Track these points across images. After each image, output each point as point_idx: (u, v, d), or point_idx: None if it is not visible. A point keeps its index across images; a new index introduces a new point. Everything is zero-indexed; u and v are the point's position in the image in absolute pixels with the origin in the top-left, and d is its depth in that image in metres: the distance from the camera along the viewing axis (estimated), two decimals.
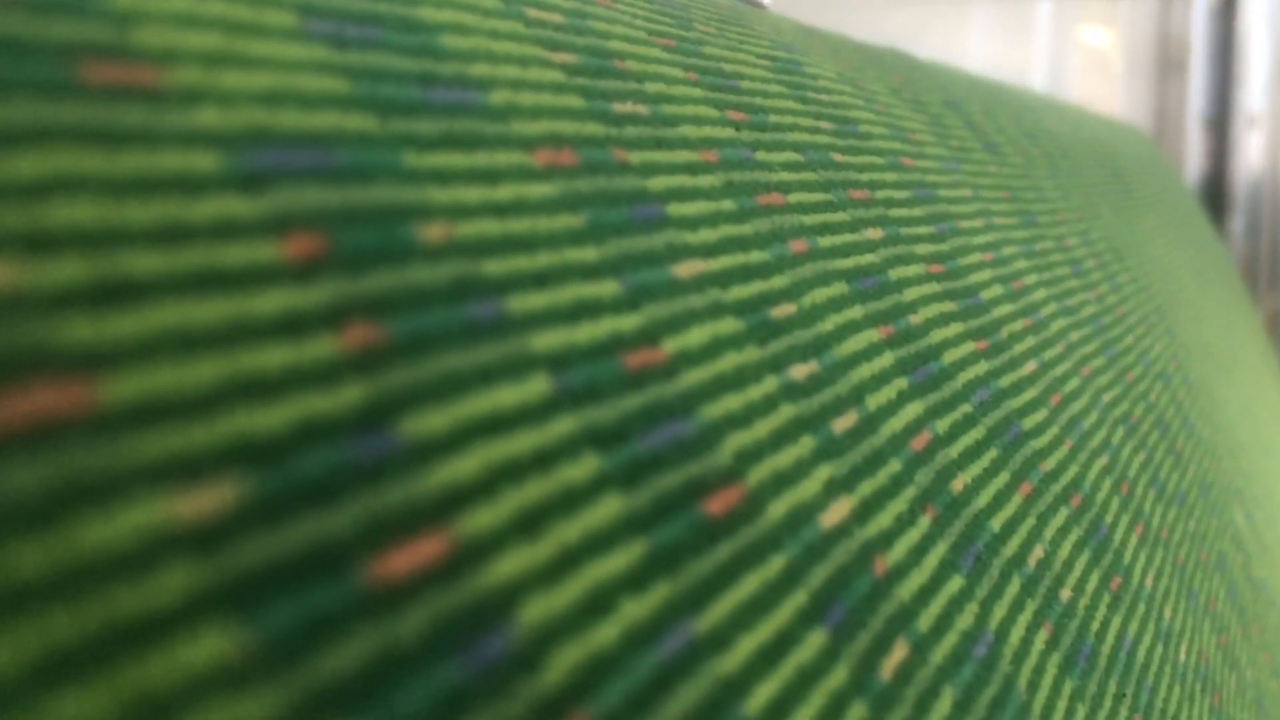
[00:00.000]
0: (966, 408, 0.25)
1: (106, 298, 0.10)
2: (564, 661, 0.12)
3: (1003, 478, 0.25)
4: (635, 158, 0.20)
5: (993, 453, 0.25)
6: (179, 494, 0.10)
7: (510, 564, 0.12)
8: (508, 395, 0.14)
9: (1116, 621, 0.26)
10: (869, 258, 0.25)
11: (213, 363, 0.11)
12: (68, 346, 0.10)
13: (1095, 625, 0.25)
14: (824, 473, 0.18)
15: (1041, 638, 0.22)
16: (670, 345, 0.17)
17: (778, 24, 0.34)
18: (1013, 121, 0.48)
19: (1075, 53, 1.33)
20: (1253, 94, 1.63)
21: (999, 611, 0.21)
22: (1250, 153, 1.63)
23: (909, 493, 0.20)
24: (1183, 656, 0.30)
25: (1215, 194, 1.65)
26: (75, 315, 0.10)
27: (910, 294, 0.26)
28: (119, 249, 0.11)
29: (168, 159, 0.12)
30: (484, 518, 0.12)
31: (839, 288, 0.23)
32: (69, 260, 0.10)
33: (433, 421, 0.12)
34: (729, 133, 0.23)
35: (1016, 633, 0.21)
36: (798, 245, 0.23)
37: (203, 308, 0.11)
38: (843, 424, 0.20)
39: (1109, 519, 0.29)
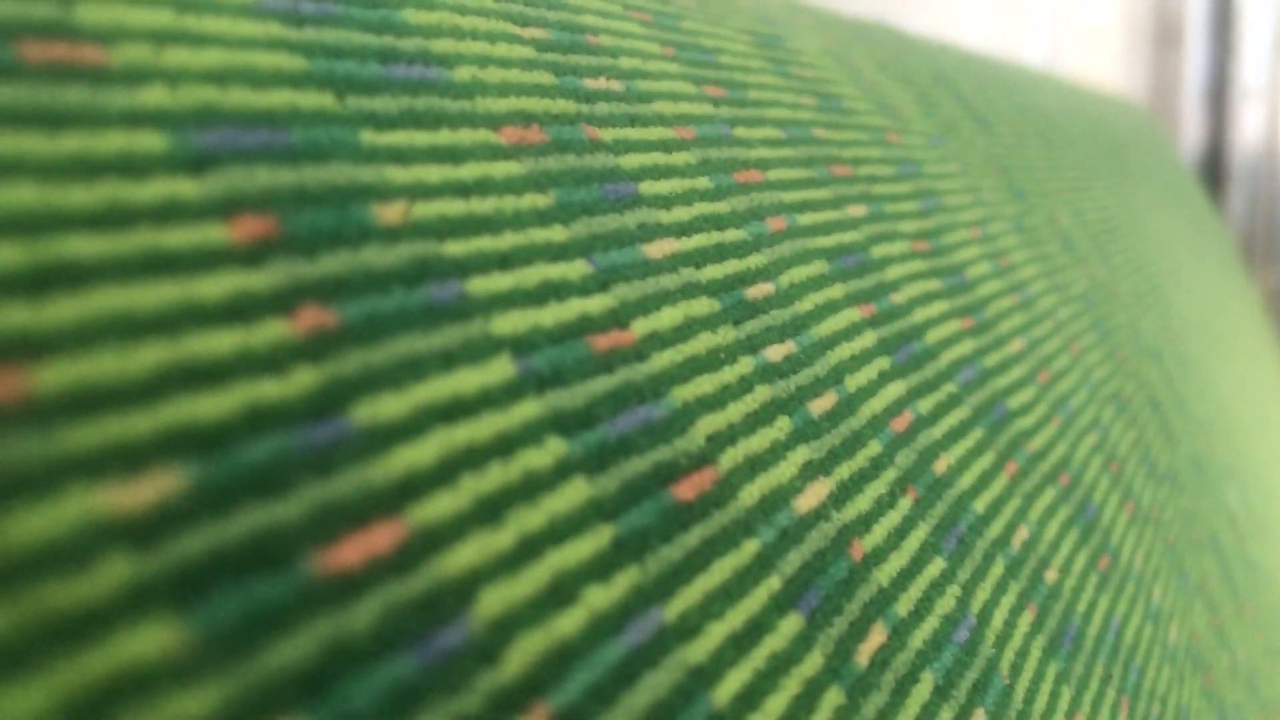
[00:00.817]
0: (951, 387, 0.25)
1: (45, 283, 0.10)
2: (524, 653, 0.12)
3: (988, 458, 0.24)
4: (608, 135, 0.19)
5: (978, 432, 0.25)
6: (117, 485, 0.09)
7: (469, 553, 0.12)
8: (469, 379, 0.13)
9: (1104, 602, 0.26)
10: (851, 235, 0.25)
11: (155, 348, 0.10)
12: (3, 333, 0.09)
13: (1082, 606, 0.25)
14: (800, 456, 0.18)
15: (1026, 620, 0.22)
16: (640, 327, 0.17)
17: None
18: (1005, 96, 0.48)
19: (1072, 26, 1.32)
20: (1251, 67, 1.62)
21: (982, 594, 0.21)
22: (1248, 127, 1.62)
23: (889, 475, 0.20)
24: (1173, 637, 0.30)
25: (1213, 168, 1.65)
26: (12, 301, 0.10)
27: (894, 272, 0.26)
28: (59, 232, 0.10)
29: (111, 139, 0.11)
30: (442, 505, 0.12)
31: (819, 266, 0.23)
32: (6, 244, 0.10)
33: (388, 407, 0.12)
34: (707, 109, 0.23)
35: (1000, 615, 0.21)
36: (776, 223, 0.22)
37: (146, 292, 0.11)
38: (820, 406, 0.19)
39: (1098, 498, 0.29)
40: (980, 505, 0.23)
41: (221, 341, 0.11)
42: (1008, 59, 0.59)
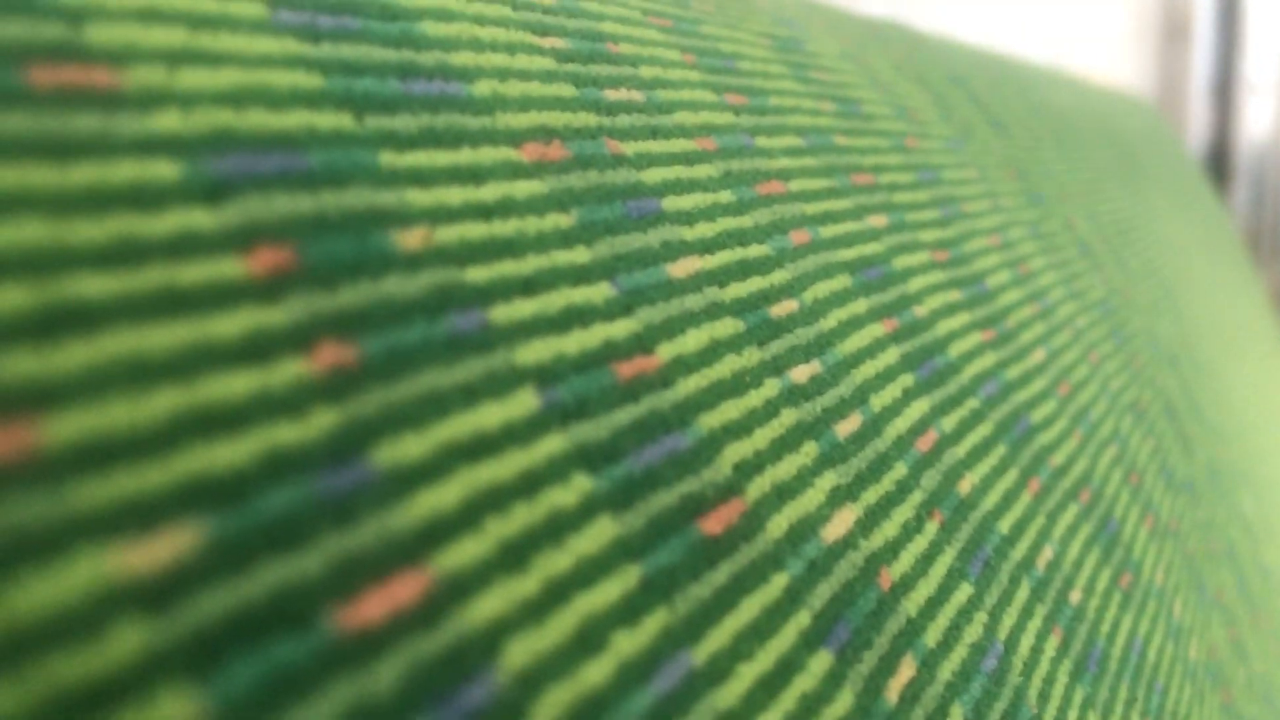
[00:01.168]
0: (974, 403, 0.24)
1: (53, 326, 0.09)
2: (551, 705, 0.11)
3: (1011, 475, 0.24)
4: (630, 148, 0.19)
5: (1001, 449, 0.24)
6: (130, 544, 0.09)
7: (494, 601, 0.11)
8: (492, 414, 0.13)
9: (1127, 622, 0.26)
10: (873, 247, 0.24)
11: (169, 394, 0.10)
12: (8, 383, 0.09)
13: (1105, 627, 0.24)
14: (827, 481, 0.18)
15: (1052, 644, 0.21)
16: (665, 352, 0.16)
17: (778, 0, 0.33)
18: (1018, 97, 0.47)
19: (1079, 21, 1.31)
20: (1257, 63, 1.61)
21: (1008, 620, 0.20)
22: (1254, 122, 1.61)
23: (915, 498, 0.20)
24: (1193, 654, 0.29)
25: (1219, 164, 1.64)
26: (18, 347, 0.09)
27: (915, 284, 0.25)
28: (68, 271, 0.10)
29: (124, 169, 0.11)
30: (466, 552, 0.11)
31: (842, 280, 0.22)
32: (12, 285, 0.09)
33: (410, 448, 0.12)
34: (728, 118, 0.23)
35: (1026, 641, 0.21)
36: (799, 236, 0.22)
37: (159, 333, 0.10)
38: (846, 428, 0.19)
39: (1119, 512, 0.29)
40: (1005, 526, 0.22)
41: (238, 384, 0.10)
42: (1015, 56, 0.58)
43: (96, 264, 0.10)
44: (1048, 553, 0.23)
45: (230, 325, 0.11)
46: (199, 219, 0.11)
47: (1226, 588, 0.36)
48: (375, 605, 0.10)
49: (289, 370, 0.11)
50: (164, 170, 0.11)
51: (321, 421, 0.11)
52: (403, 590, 0.11)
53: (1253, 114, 1.63)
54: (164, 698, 0.09)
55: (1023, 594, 0.21)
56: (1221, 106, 1.65)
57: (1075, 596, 0.24)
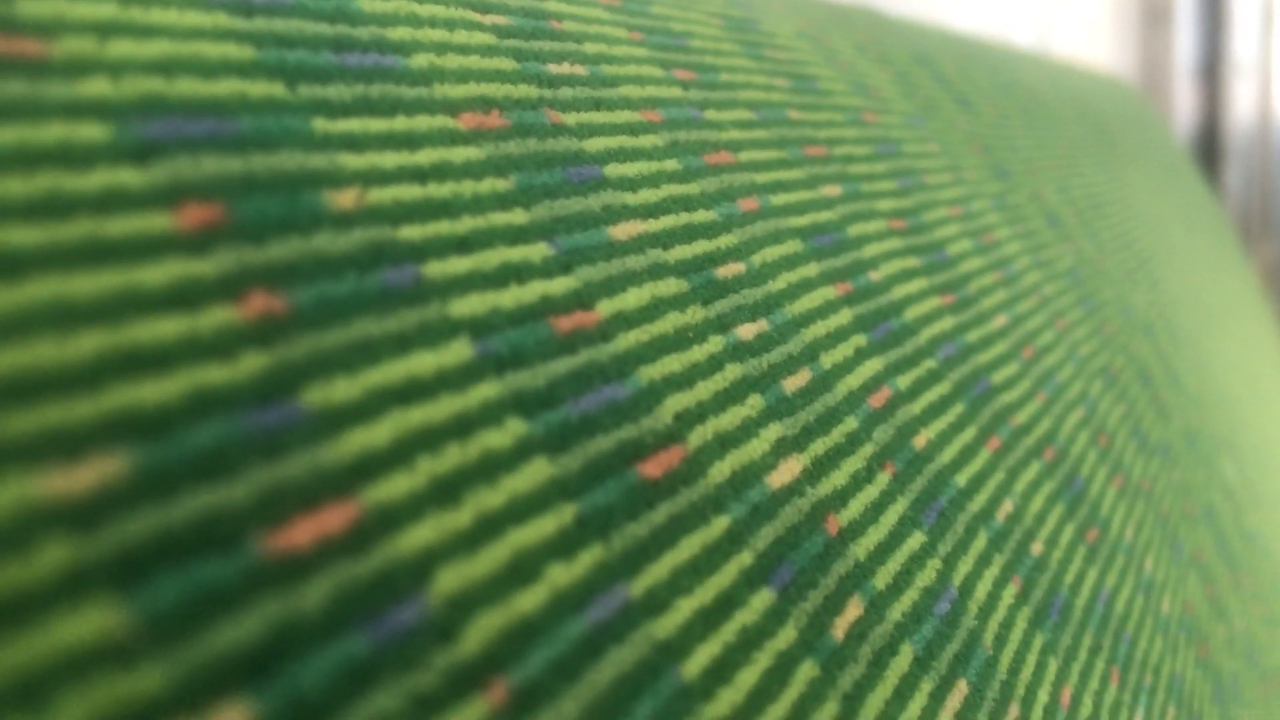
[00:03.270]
0: (931, 363, 0.25)
1: None
2: (483, 630, 0.12)
3: (969, 432, 0.24)
4: (571, 119, 0.19)
5: (959, 408, 0.24)
6: (56, 470, 0.09)
7: (425, 532, 0.12)
8: (425, 362, 0.13)
9: (1093, 574, 0.26)
10: (826, 215, 0.25)
11: (96, 335, 0.10)
12: None
13: (1069, 578, 0.25)
14: (773, 432, 0.18)
15: (1010, 592, 0.22)
16: (605, 308, 0.17)
17: None
18: (988, 76, 0.47)
19: (1062, 6, 1.32)
20: (1243, 42, 1.62)
21: (964, 567, 0.21)
22: (1242, 103, 1.62)
23: (866, 450, 0.20)
24: (1165, 608, 0.30)
25: (1208, 145, 1.64)
26: None
27: (870, 250, 0.25)
28: None
29: (51, 130, 0.11)
30: (396, 486, 0.12)
31: (793, 245, 0.23)
32: None
33: (340, 390, 0.12)
34: (676, 92, 0.23)
35: (983, 588, 0.21)
36: (748, 204, 0.22)
37: (86, 280, 0.11)
38: (794, 383, 0.19)
39: (1085, 471, 0.29)
40: (962, 479, 0.23)
41: (165, 328, 0.11)
42: (996, 40, 0.59)
43: (24, 216, 0.11)
44: (1007, 506, 0.24)
45: (157, 274, 0.11)
46: (126, 177, 0.12)
47: (1205, 548, 0.37)
48: (303, 532, 0.11)
49: (217, 316, 0.11)
50: (92, 131, 0.12)
51: (250, 364, 0.11)
52: (331, 519, 0.11)
53: (1241, 95, 1.63)
54: (89, 609, 0.09)
55: (979, 543, 0.22)
56: (1210, 88, 1.65)
57: (1036, 548, 0.24)
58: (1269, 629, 0.41)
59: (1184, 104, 1.61)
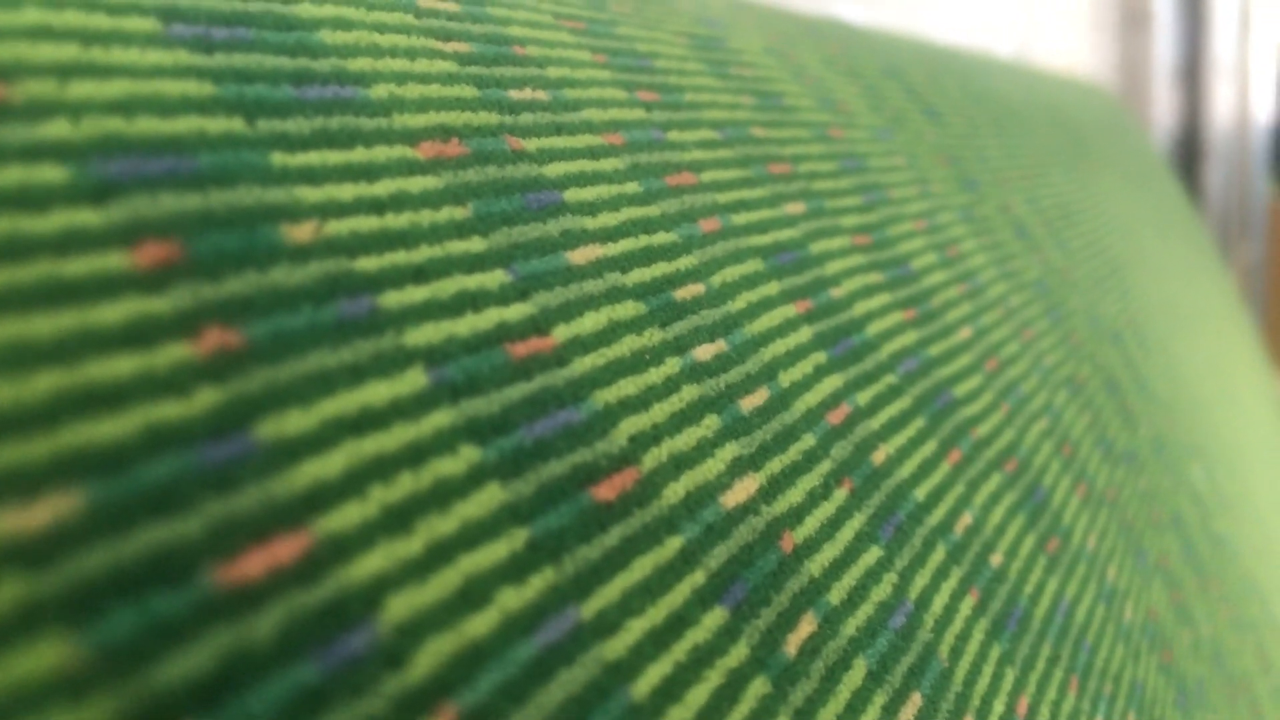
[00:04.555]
0: (891, 378, 0.25)
1: None
2: (432, 655, 0.12)
3: (930, 446, 0.25)
4: (531, 145, 0.20)
5: (919, 422, 0.25)
6: (12, 509, 0.10)
7: (376, 560, 0.12)
8: (379, 391, 0.14)
9: (1053, 584, 0.27)
10: (788, 233, 0.25)
11: (52, 374, 0.11)
12: None
13: (1029, 588, 0.25)
14: (729, 452, 0.18)
15: (968, 604, 0.22)
16: (561, 333, 0.17)
17: (703, 0, 0.34)
18: (959, 86, 0.48)
19: (1042, 10, 1.33)
20: (1221, 44, 1.63)
21: (920, 580, 0.21)
22: (1221, 104, 1.63)
23: (823, 467, 0.21)
24: (1128, 615, 0.30)
25: (1190, 146, 1.65)
26: None
27: (833, 267, 0.26)
28: None
29: (11, 173, 0.12)
30: (348, 515, 0.12)
31: (753, 265, 0.23)
32: None
33: (295, 422, 0.12)
34: (638, 114, 0.23)
35: (940, 600, 0.21)
36: (709, 224, 0.23)
37: (44, 321, 0.11)
38: (751, 402, 0.20)
39: (1048, 481, 0.30)
40: (921, 493, 0.23)
41: (121, 365, 0.11)
42: (972, 49, 0.59)
43: None
44: (967, 518, 0.24)
45: (114, 312, 0.12)
46: (85, 216, 0.12)
47: (1171, 554, 0.37)
48: (255, 563, 0.11)
49: (172, 353, 0.12)
50: (51, 174, 0.12)
51: (204, 399, 0.12)
52: (283, 550, 0.11)
53: (1221, 97, 1.64)
54: (42, 644, 0.09)
55: (937, 556, 0.22)
56: (1190, 90, 1.66)
57: (996, 559, 0.24)
58: (1237, 633, 0.41)
59: (1164, 106, 1.62)
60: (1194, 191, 1.62)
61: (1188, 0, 1.65)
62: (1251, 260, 1.60)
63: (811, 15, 0.43)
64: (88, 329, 0.11)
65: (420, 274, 0.15)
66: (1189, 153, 1.64)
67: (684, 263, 0.21)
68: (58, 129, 0.13)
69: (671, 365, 0.19)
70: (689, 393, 0.19)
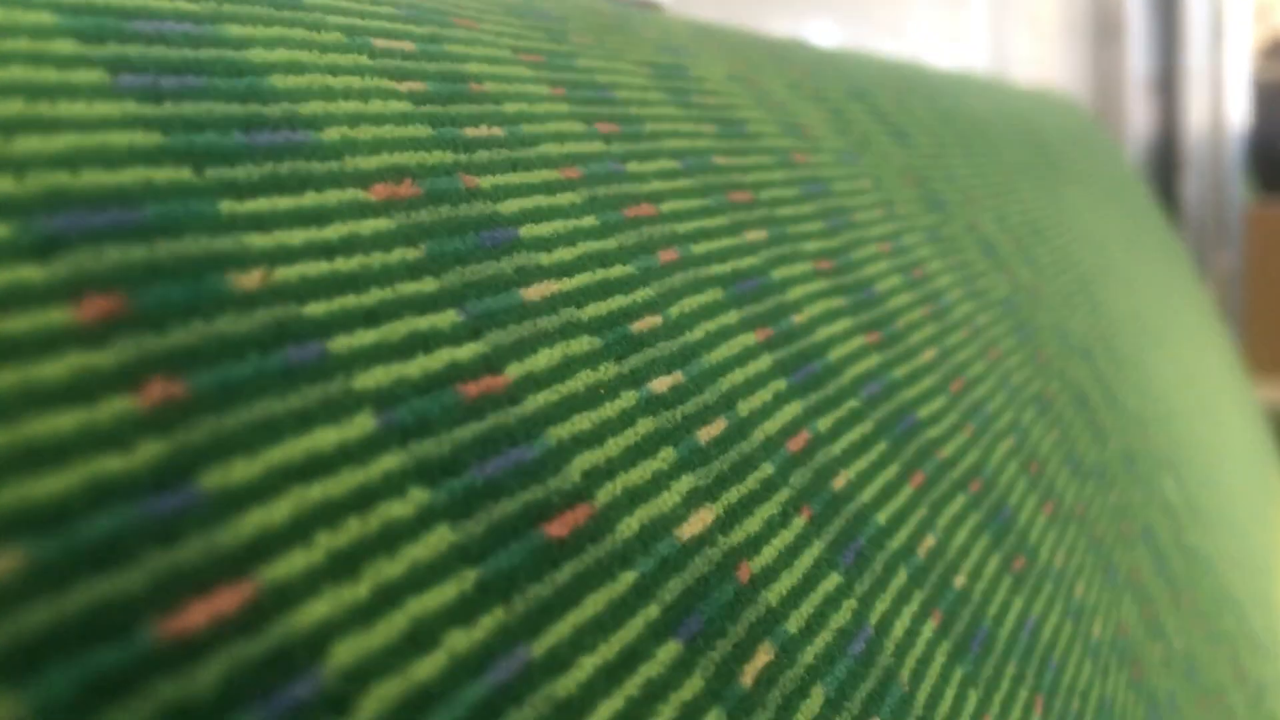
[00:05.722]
0: (853, 403, 0.25)
1: None
2: (378, 700, 0.12)
3: (892, 470, 0.25)
4: (486, 182, 0.20)
5: (881, 446, 0.25)
6: None
7: (321, 607, 0.12)
8: (327, 437, 0.14)
9: (1019, 603, 0.27)
10: (749, 260, 0.25)
11: None
12: None
13: (993, 609, 0.25)
14: (685, 484, 0.19)
15: (930, 627, 0.23)
16: (514, 371, 0.17)
17: (668, 27, 0.35)
18: (926, 105, 0.48)
19: (1015, 22, 1.33)
20: (1194, 54, 1.64)
21: (881, 605, 0.21)
22: (1196, 113, 1.64)
23: (781, 495, 0.21)
24: (1096, 632, 0.31)
25: (1166, 155, 1.66)
26: None
27: (794, 293, 0.26)
28: None
29: None
30: (293, 563, 0.12)
31: (712, 294, 0.23)
32: None
33: (239, 471, 0.13)
34: (597, 146, 0.24)
35: (900, 625, 0.22)
36: (668, 255, 0.23)
37: None
38: (709, 433, 0.20)
39: (1014, 500, 0.30)
40: (882, 518, 0.23)
41: (63, 421, 0.11)
42: (941, 67, 0.59)
43: None
44: (929, 541, 0.24)
45: (57, 368, 0.12)
46: (28, 273, 0.12)
47: (1142, 568, 0.37)
48: (198, 614, 0.11)
49: (115, 406, 0.12)
50: None
51: (147, 452, 0.12)
52: (225, 600, 0.12)
53: (1195, 106, 1.65)
54: None
55: (899, 580, 0.22)
56: (1165, 99, 1.67)
57: (959, 581, 0.25)
58: (1211, 645, 0.41)
59: (1139, 116, 1.63)
60: (1171, 201, 1.62)
61: (1161, 9, 1.66)
62: (1229, 269, 1.61)
63: (777, 38, 0.43)
64: (29, 386, 0.11)
65: (371, 317, 0.16)
66: (1165, 162, 1.65)
67: (641, 295, 0.21)
68: (3, 186, 0.13)
69: (627, 399, 0.19)
70: (644, 426, 0.19)
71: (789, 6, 0.95)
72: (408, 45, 0.21)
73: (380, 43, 0.21)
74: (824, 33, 1.04)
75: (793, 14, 0.98)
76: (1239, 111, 1.63)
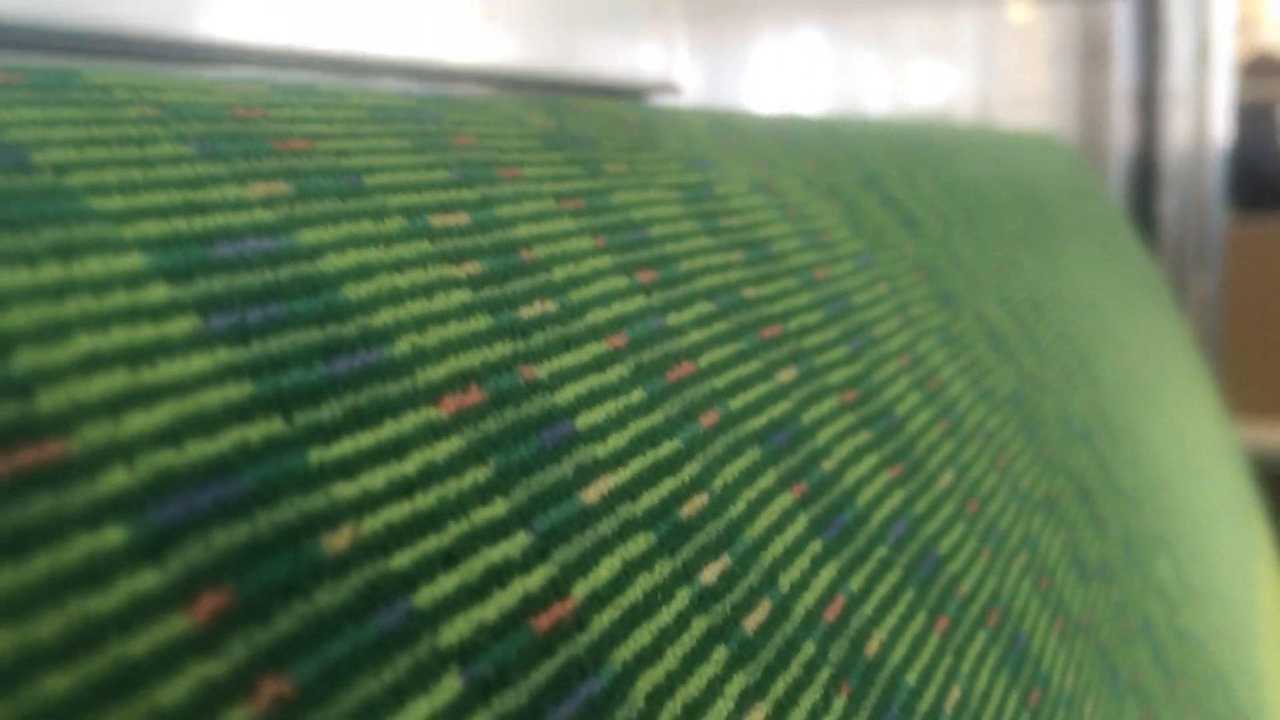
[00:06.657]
0: (883, 550, 0.26)
1: None
2: None
3: (919, 620, 0.25)
4: (543, 371, 0.20)
5: (909, 594, 0.26)
6: None
7: None
8: (419, 710, 0.14)
9: None
10: (782, 406, 0.26)
11: None
12: None
13: None
14: (736, 686, 0.19)
15: None
16: (580, 590, 0.17)
17: (690, 129, 0.35)
18: (931, 179, 0.49)
19: (1001, 40, 1.34)
20: (1178, 73, 1.65)
21: None
22: (1178, 133, 1.65)
23: (823, 675, 0.21)
24: None
25: (1147, 174, 1.67)
26: None
27: (824, 435, 0.27)
28: (33, 673, 0.11)
29: (77, 546, 0.12)
30: None
31: (751, 455, 0.24)
32: None
33: None
34: (639, 302, 0.24)
35: None
36: (709, 418, 0.23)
37: (115, 715, 0.11)
38: (754, 621, 0.20)
39: (1027, 626, 0.30)
40: (912, 678, 0.24)
41: None
42: (934, 124, 0.60)
43: (57, 660, 0.11)
44: (955, 693, 0.25)
45: (178, 689, 0.12)
46: (146, 580, 0.12)
47: (1142, 667, 0.38)
48: None
49: (233, 718, 0.12)
50: (113, 536, 0.13)
51: None
52: None
53: (1178, 125, 1.67)
54: None
55: None
56: (1146, 118, 1.69)
57: None
58: None
59: (1121, 133, 1.65)
60: (1150, 221, 1.64)
61: (1146, 27, 1.67)
62: (1208, 293, 1.63)
63: (786, 120, 0.44)
64: (153, 713, 0.12)
65: (449, 558, 0.16)
66: (1147, 180, 1.66)
67: (688, 472, 0.21)
68: (117, 479, 0.13)
69: (681, 599, 0.19)
70: (698, 626, 0.19)
71: (778, 19, 0.95)
72: (463, 218, 0.22)
73: (438, 220, 0.21)
74: (812, 43, 1.04)
75: (782, 26, 0.98)
76: (1221, 130, 1.64)
